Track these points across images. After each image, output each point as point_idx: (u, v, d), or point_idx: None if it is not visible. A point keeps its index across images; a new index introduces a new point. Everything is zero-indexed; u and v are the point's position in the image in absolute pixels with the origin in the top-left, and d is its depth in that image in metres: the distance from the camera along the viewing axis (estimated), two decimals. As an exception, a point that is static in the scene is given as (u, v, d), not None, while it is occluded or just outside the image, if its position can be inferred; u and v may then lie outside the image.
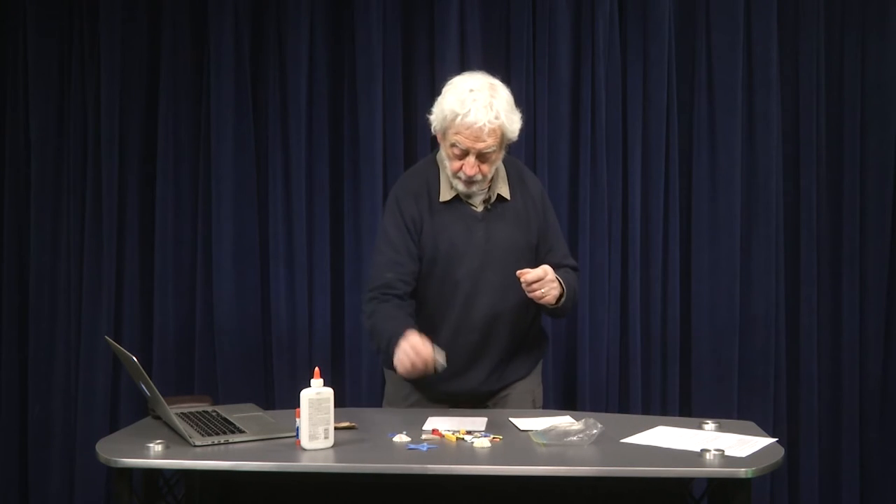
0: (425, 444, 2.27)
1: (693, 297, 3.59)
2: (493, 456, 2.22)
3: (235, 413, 2.52)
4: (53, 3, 3.65)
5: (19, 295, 3.72)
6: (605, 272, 3.57)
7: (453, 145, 2.56)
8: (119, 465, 2.16)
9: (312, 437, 2.21)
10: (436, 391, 2.71)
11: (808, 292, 3.60)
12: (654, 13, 3.55)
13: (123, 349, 2.35)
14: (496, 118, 2.52)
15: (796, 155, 3.61)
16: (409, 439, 2.30)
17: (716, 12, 3.56)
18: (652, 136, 3.58)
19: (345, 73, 3.62)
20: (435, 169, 2.70)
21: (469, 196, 2.65)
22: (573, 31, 3.58)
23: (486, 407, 2.71)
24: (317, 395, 2.21)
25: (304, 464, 2.17)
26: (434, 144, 2.75)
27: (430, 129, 2.66)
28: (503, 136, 2.56)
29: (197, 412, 2.51)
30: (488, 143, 2.53)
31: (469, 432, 2.35)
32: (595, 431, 2.27)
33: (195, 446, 2.24)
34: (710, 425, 2.42)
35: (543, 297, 2.54)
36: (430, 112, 2.63)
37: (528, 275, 2.51)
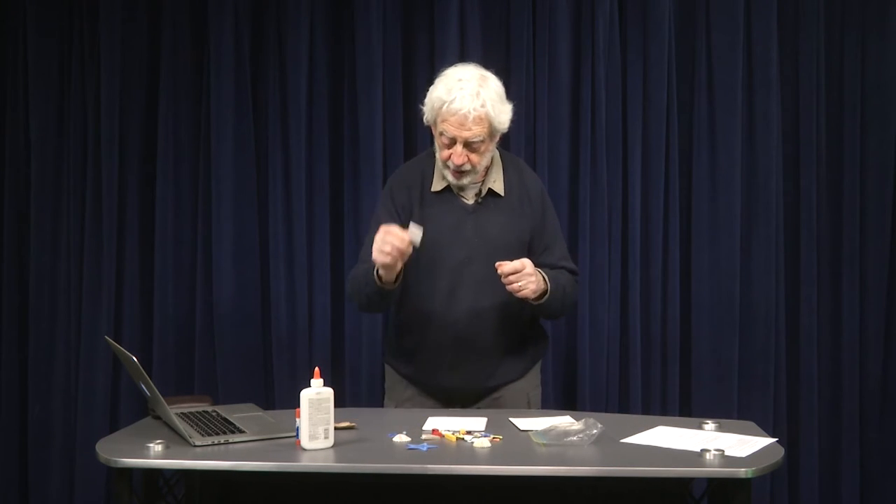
0: (425, 444, 2.27)
1: (693, 297, 3.59)
2: (493, 456, 2.22)
3: (235, 413, 2.53)
4: (53, 3, 3.65)
5: (19, 295, 3.72)
6: (605, 272, 3.57)
7: (441, 134, 2.59)
8: (119, 465, 2.16)
9: (312, 437, 2.21)
10: (428, 384, 2.74)
11: (808, 292, 3.60)
12: (654, 13, 3.55)
13: (123, 349, 2.35)
14: (482, 106, 2.54)
15: (796, 155, 3.61)
16: (409, 439, 2.30)
17: (716, 12, 3.56)
18: (652, 136, 3.58)
19: (345, 73, 3.62)
20: (431, 160, 2.72)
21: (462, 189, 2.66)
22: (573, 31, 3.58)
23: (480, 407, 2.71)
24: (317, 395, 2.21)
25: (304, 464, 2.17)
26: (433, 142, 2.76)
27: (430, 129, 2.67)
28: (490, 125, 2.57)
29: (197, 412, 2.51)
30: (475, 131, 2.54)
31: (469, 432, 2.35)
32: (595, 431, 2.27)
33: (195, 446, 2.24)
34: (710, 425, 2.42)
35: (521, 291, 2.54)
36: (422, 103, 2.64)
37: (504, 266, 2.52)
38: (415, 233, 2.47)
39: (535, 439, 2.28)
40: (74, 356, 3.66)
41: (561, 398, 3.58)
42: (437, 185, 2.69)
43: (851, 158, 3.60)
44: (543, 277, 2.61)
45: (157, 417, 2.50)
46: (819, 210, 3.61)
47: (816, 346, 3.60)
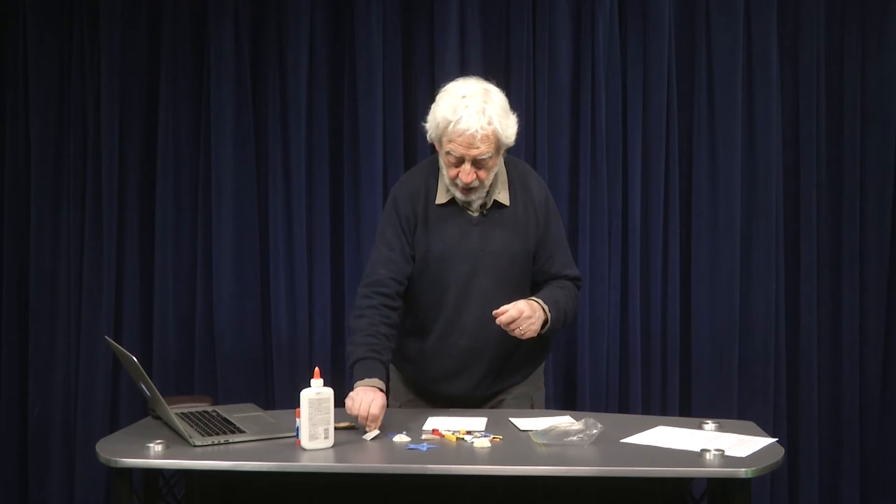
0: (425, 444, 2.27)
1: (693, 297, 3.59)
2: (493, 456, 2.22)
3: (235, 413, 2.53)
4: (53, 3, 3.65)
5: (19, 295, 3.72)
6: (605, 272, 3.57)
7: (448, 153, 2.53)
8: (119, 465, 2.16)
9: (312, 437, 2.21)
10: (429, 392, 2.73)
11: (808, 292, 3.60)
12: (654, 13, 3.55)
13: (123, 349, 2.35)
14: (489, 124, 2.49)
15: (796, 155, 3.61)
16: (409, 439, 2.30)
17: (716, 12, 3.56)
18: (652, 136, 3.57)
19: (345, 73, 3.62)
20: (435, 171, 2.68)
21: (468, 202, 2.63)
22: (573, 32, 3.57)
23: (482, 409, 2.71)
24: (317, 395, 2.21)
25: (304, 464, 2.17)
26: (434, 148, 2.74)
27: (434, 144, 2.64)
28: (498, 141, 2.52)
29: (197, 412, 2.51)
30: (482, 149, 2.50)
31: (469, 432, 2.35)
32: (595, 431, 2.27)
33: (195, 446, 2.24)
34: (710, 425, 2.42)
35: (524, 335, 2.53)
36: (425, 120, 2.61)
37: (502, 317, 2.49)
38: (373, 431, 2.36)
39: (535, 439, 2.28)
40: (74, 356, 3.66)
41: (561, 398, 3.58)
42: (441, 198, 2.64)
43: (851, 158, 3.60)
44: (542, 307, 2.58)
45: (157, 417, 2.50)
46: (819, 210, 3.61)
47: (816, 346, 3.60)
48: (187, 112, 3.65)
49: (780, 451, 2.20)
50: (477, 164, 2.52)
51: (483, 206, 2.64)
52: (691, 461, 2.14)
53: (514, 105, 2.65)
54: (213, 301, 3.61)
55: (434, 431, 2.36)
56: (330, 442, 2.23)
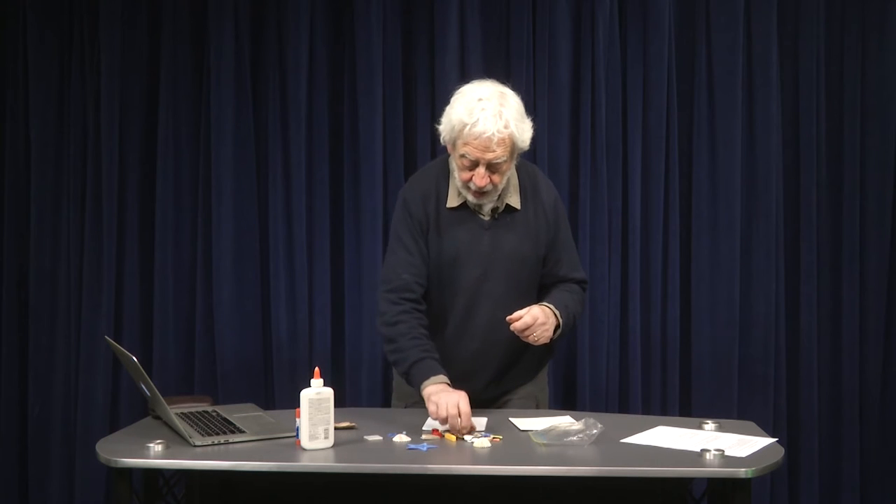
0: (425, 444, 2.27)
1: (693, 297, 3.59)
2: (493, 456, 2.22)
3: (235, 413, 2.53)
4: (53, 3, 3.65)
5: (19, 295, 3.72)
6: (605, 272, 3.57)
7: (463, 156, 2.50)
8: (119, 465, 2.16)
9: (312, 437, 2.21)
10: None
11: (808, 292, 3.60)
12: (654, 13, 3.55)
13: (123, 349, 2.35)
14: (505, 127, 2.46)
15: (796, 155, 3.61)
16: (409, 439, 2.30)
17: (716, 12, 3.56)
18: (652, 136, 3.58)
19: (345, 73, 3.62)
20: (445, 174, 2.65)
21: (479, 206, 2.62)
22: (573, 31, 3.57)
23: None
24: (317, 395, 2.21)
25: (304, 464, 2.17)
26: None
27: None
28: (513, 145, 2.50)
29: (197, 412, 2.51)
30: (498, 153, 2.47)
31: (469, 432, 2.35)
32: (595, 431, 2.27)
33: (195, 446, 2.24)
34: (710, 425, 2.42)
35: (538, 341, 2.53)
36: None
37: (516, 323, 2.48)
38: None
39: (535, 439, 2.28)
40: (74, 356, 3.66)
41: (561, 398, 3.58)
42: (452, 202, 2.62)
43: (851, 158, 3.61)
44: (554, 313, 2.58)
45: (157, 417, 2.50)
46: (819, 210, 3.61)
47: (816, 346, 3.60)
48: (187, 112, 3.65)
49: (780, 451, 2.21)
50: (491, 167, 2.50)
51: (494, 209, 2.62)
52: (691, 461, 2.14)
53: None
54: (213, 301, 3.61)
55: (434, 431, 2.36)
56: (330, 442, 2.23)
